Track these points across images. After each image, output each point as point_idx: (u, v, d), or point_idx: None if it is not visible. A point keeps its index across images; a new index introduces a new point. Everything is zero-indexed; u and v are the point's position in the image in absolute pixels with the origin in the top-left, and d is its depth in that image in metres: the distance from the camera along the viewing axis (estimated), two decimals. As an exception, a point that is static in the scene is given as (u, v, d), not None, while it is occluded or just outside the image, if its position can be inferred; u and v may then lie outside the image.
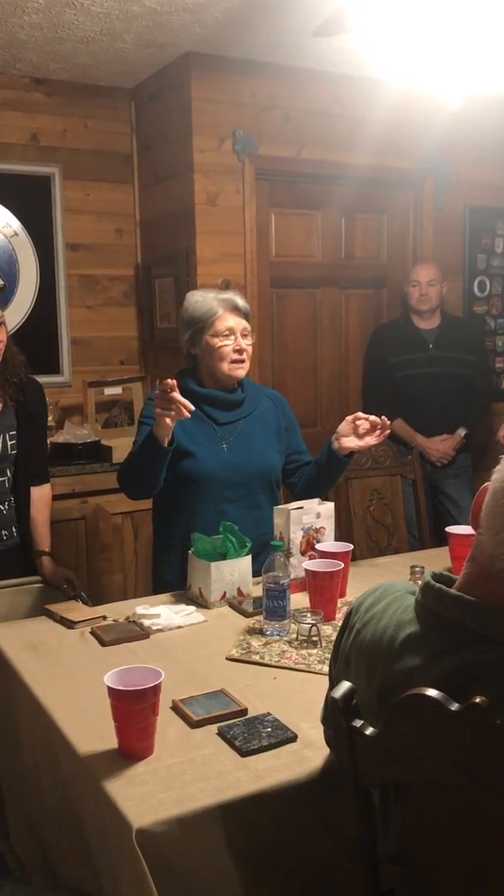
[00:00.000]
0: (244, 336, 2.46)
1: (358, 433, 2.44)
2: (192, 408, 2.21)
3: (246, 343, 2.47)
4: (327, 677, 1.78)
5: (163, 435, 2.23)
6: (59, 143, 3.94)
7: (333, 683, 1.30)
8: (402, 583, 1.33)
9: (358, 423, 2.44)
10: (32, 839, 1.79)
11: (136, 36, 3.34)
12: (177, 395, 2.16)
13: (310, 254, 4.06)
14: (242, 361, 2.46)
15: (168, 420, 2.19)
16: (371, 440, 2.44)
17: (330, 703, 1.15)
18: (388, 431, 2.46)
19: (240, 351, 2.45)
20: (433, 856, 1.11)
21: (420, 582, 1.18)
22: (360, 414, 2.46)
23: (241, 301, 2.49)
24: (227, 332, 2.44)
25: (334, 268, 4.13)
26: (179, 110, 3.68)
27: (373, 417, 2.42)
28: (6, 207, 3.85)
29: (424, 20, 2.55)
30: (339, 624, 2.08)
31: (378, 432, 2.43)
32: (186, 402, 2.18)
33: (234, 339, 2.44)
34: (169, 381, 2.16)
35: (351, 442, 2.45)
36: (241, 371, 2.48)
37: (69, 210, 3.98)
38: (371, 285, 4.27)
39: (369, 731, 1.11)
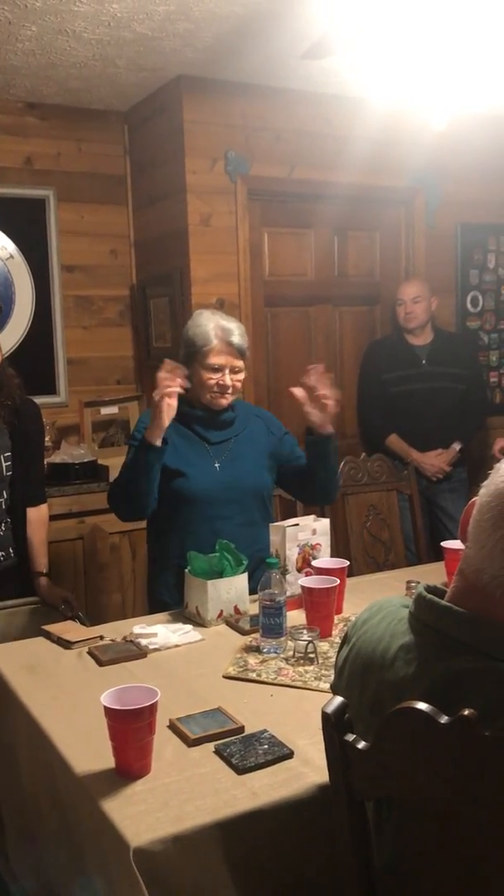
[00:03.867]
0: (234, 373, 2.48)
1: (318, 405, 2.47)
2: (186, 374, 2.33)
3: (234, 378, 2.48)
4: (324, 693, 1.80)
5: (157, 434, 2.30)
6: (53, 167, 3.98)
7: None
8: (398, 598, 1.35)
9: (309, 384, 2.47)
10: (30, 858, 1.79)
11: (129, 61, 3.38)
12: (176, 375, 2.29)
13: (303, 272, 4.10)
14: (225, 395, 2.48)
15: (165, 407, 2.28)
16: (323, 399, 2.45)
17: (322, 717, 1.16)
18: (333, 401, 2.46)
19: (223, 388, 2.47)
20: (426, 868, 1.12)
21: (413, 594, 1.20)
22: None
23: (237, 338, 2.48)
24: (216, 368, 2.46)
25: (327, 286, 4.16)
26: (172, 132, 3.72)
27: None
28: (1, 230, 3.88)
29: (408, 43, 2.59)
30: (336, 640, 2.10)
31: (322, 396, 2.46)
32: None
33: (221, 374, 2.46)
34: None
35: (314, 416, 2.48)
36: (222, 402, 2.50)
37: (64, 232, 4.01)
38: (364, 302, 4.29)
39: (361, 745, 1.12)
